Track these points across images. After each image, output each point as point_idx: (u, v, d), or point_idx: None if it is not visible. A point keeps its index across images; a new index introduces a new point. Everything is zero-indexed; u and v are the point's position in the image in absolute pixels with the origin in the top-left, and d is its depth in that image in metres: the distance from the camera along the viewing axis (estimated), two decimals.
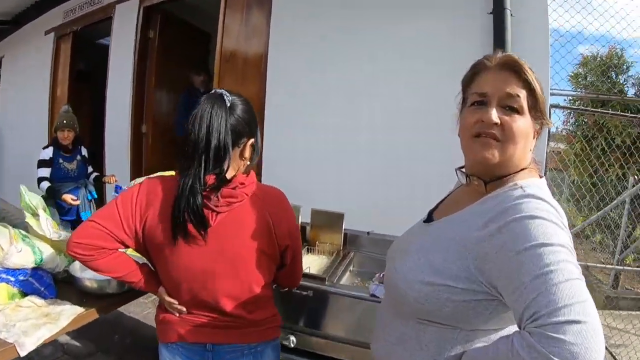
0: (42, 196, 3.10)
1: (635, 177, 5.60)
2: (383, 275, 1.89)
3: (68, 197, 4.09)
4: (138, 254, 1.60)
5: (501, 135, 1.07)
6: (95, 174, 4.57)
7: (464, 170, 1.23)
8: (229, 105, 1.43)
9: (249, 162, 1.53)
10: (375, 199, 3.40)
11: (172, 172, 2.63)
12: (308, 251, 2.59)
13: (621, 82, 8.21)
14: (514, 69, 1.09)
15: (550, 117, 1.13)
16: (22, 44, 7.71)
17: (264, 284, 1.55)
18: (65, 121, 4.24)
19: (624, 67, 8.15)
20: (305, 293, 2.01)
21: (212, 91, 1.49)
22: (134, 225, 1.45)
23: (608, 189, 5.21)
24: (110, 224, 1.43)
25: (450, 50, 3.17)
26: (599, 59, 8.02)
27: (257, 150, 1.55)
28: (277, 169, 3.74)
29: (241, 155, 1.49)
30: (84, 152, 4.51)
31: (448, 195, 1.39)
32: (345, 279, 2.38)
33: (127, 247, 1.49)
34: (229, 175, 1.45)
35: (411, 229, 1.35)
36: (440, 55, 3.22)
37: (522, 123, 1.07)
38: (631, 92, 8.27)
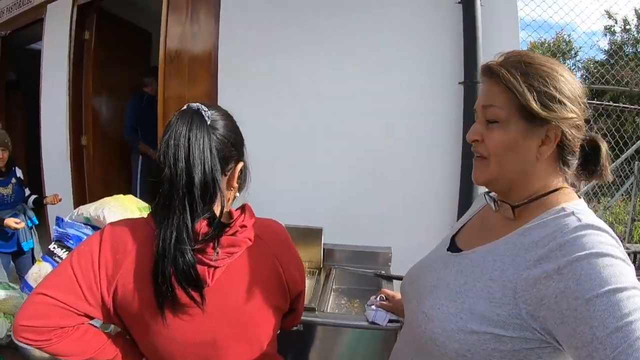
0: None
1: None
2: (379, 298, 1.72)
3: (11, 221, 3.62)
4: None
5: (485, 151, 1.01)
6: (33, 196, 4.11)
7: (492, 194, 1.11)
8: (209, 123, 1.11)
9: (238, 193, 1.25)
10: (346, 208, 3.26)
11: (130, 196, 2.35)
12: None
13: (570, 65, 8.53)
14: (489, 75, 1.00)
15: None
16: None
17: (272, 338, 1.28)
18: None
19: (572, 52, 8.49)
20: (295, 328, 1.76)
21: (185, 107, 1.16)
22: (100, 293, 1.10)
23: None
24: (68, 295, 1.07)
25: (419, 43, 3.09)
26: (546, 44, 8.28)
27: (246, 176, 1.26)
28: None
29: (229, 185, 1.19)
30: (19, 173, 4.03)
31: (472, 217, 1.23)
32: (332, 301, 2.18)
33: (91, 318, 1.15)
34: (224, 216, 1.15)
35: (432, 257, 1.19)
36: (409, 49, 3.12)
37: (499, 135, 0.97)
38: (578, 75, 8.62)
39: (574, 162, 0.99)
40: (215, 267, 1.11)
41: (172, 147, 1.07)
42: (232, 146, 1.16)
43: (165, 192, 1.07)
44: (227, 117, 1.19)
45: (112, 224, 1.18)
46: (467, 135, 1.03)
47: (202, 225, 1.08)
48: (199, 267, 1.08)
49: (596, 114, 4.78)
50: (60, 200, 3.97)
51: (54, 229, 2.49)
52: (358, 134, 3.23)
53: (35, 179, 5.28)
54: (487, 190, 1.13)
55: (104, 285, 1.09)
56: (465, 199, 2.92)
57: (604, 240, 0.82)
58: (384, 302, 1.72)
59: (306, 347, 1.87)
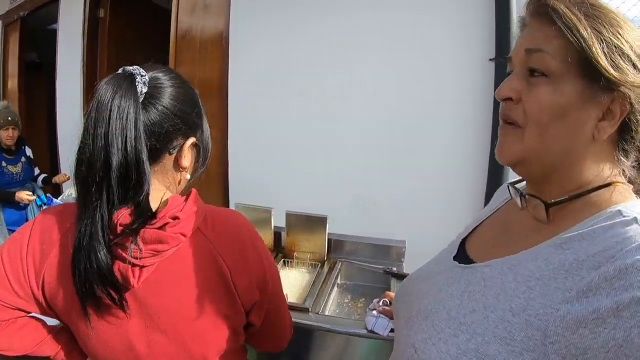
0: None
1: None
2: (382, 302, 1.48)
3: (23, 194, 3.69)
4: None
5: (522, 117, 0.70)
6: (42, 175, 4.17)
7: (522, 184, 0.84)
8: (143, 91, 0.89)
9: (189, 175, 1.03)
10: (359, 197, 3.02)
11: None
12: (285, 264, 2.16)
13: None
14: (539, 12, 0.69)
15: None
16: None
17: (227, 351, 1.06)
18: (9, 118, 3.82)
19: None
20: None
21: (120, 70, 0.94)
22: (29, 286, 0.97)
23: None
24: None
25: (447, 18, 2.77)
26: None
27: (204, 152, 1.05)
28: (242, 165, 3.31)
29: (177, 166, 0.98)
30: (29, 152, 4.10)
31: (489, 215, 0.95)
32: (333, 298, 1.96)
33: (28, 312, 1.03)
34: (154, 205, 0.93)
35: (433, 268, 0.90)
36: (436, 24, 2.80)
37: (547, 93, 0.67)
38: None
39: (634, 150, 0.70)
40: (142, 267, 0.91)
41: (92, 119, 0.85)
42: (178, 118, 0.94)
43: (83, 174, 0.87)
44: (177, 84, 0.97)
45: (46, 210, 1.05)
46: (498, 91, 0.73)
47: (121, 215, 0.88)
48: (121, 265, 0.90)
49: None
50: (68, 179, 3.95)
51: (44, 208, 2.38)
52: (379, 117, 2.96)
53: (54, 158, 5.35)
54: (513, 180, 0.86)
55: (32, 277, 0.97)
56: (493, 191, 2.58)
57: None
58: (387, 308, 1.46)
59: (295, 351, 1.66)
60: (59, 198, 2.16)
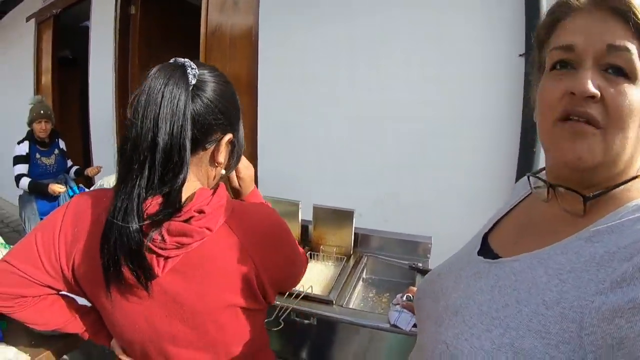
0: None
1: None
2: (406, 298, 1.47)
3: (56, 186, 3.84)
4: None
5: (602, 117, 0.64)
6: (75, 167, 4.29)
7: (541, 176, 0.81)
8: (192, 82, 0.93)
9: (224, 171, 1.07)
10: (388, 191, 3.00)
11: None
12: (311, 257, 2.17)
13: None
14: (616, 7, 0.65)
15: None
16: (5, 33, 7.52)
17: (249, 339, 1.08)
18: (42, 111, 3.94)
19: None
20: (307, 321, 1.57)
21: (171, 60, 0.99)
22: (59, 265, 1.01)
23: None
24: (28, 266, 1.01)
25: (476, 13, 2.72)
26: None
27: (238, 151, 1.08)
28: (271, 160, 3.34)
29: (212, 161, 1.01)
30: (62, 144, 4.22)
31: (510, 209, 0.94)
32: (357, 292, 1.97)
33: (58, 290, 1.08)
34: (184, 196, 0.96)
35: (457, 263, 0.89)
36: (466, 19, 2.76)
37: (635, 94, 0.63)
38: None
39: None
40: (166, 257, 0.94)
41: (142, 103, 0.90)
42: (220, 113, 0.98)
43: (128, 153, 0.91)
44: (222, 82, 1.01)
45: (80, 195, 1.09)
46: (579, 85, 0.65)
47: (151, 204, 0.92)
48: (147, 255, 0.93)
49: None
50: (100, 171, 4.04)
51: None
52: (407, 115, 2.95)
53: (87, 152, 5.47)
54: (535, 172, 0.84)
55: (63, 258, 1.01)
56: None
57: None
58: (410, 303, 1.44)
59: (318, 342, 1.68)
60: (92, 188, 2.22)
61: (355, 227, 2.21)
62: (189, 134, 0.91)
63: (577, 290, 0.60)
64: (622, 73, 0.64)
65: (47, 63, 6.20)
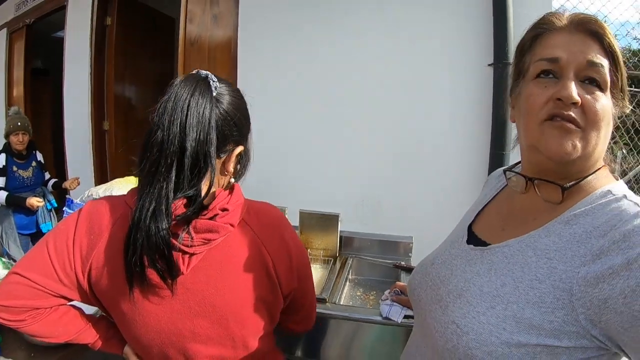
0: None
1: (622, 150, 5.49)
2: (394, 292, 1.58)
3: (33, 200, 3.76)
4: None
5: (582, 119, 0.78)
6: (53, 180, 4.20)
7: (517, 170, 0.94)
8: (215, 93, 0.99)
9: (232, 179, 1.11)
10: (367, 197, 3.13)
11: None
12: None
13: None
14: (592, 30, 0.81)
15: None
16: None
17: (264, 335, 1.14)
18: (19, 123, 3.87)
19: None
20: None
21: (194, 71, 1.04)
22: (74, 274, 1.02)
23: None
24: (42, 277, 1.01)
25: (447, 25, 2.92)
26: None
27: (246, 163, 1.14)
28: (255, 166, 3.33)
29: (223, 169, 1.06)
30: (39, 157, 4.14)
31: (489, 201, 1.07)
32: (346, 292, 2.07)
33: (70, 300, 1.08)
34: (207, 198, 1.01)
35: (448, 253, 1.01)
36: (436, 31, 2.94)
37: (606, 103, 0.79)
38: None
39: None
40: (191, 254, 1.00)
41: (169, 110, 0.96)
42: (235, 125, 1.04)
43: (154, 157, 0.96)
44: (237, 95, 1.07)
45: (91, 202, 1.09)
46: (566, 93, 0.78)
47: (178, 205, 0.97)
48: (173, 253, 0.97)
49: (634, 103, 4.54)
50: (78, 184, 4.01)
51: (64, 210, 2.45)
52: (384, 120, 3.08)
53: (61, 164, 5.36)
54: (510, 167, 0.98)
55: (78, 266, 1.02)
56: None
57: None
58: (399, 296, 1.59)
59: (315, 338, 1.75)
60: (79, 199, 2.23)
61: (340, 230, 2.29)
62: (214, 141, 0.97)
63: (564, 265, 0.73)
64: (596, 84, 0.79)
65: (19, 73, 6.11)
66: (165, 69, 5.24)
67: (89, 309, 1.20)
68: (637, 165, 4.92)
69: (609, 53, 0.80)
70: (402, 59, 3.00)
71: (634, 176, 4.93)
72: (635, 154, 5.23)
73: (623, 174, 5.19)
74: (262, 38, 3.39)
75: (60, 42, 5.24)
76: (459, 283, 0.89)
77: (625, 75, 0.82)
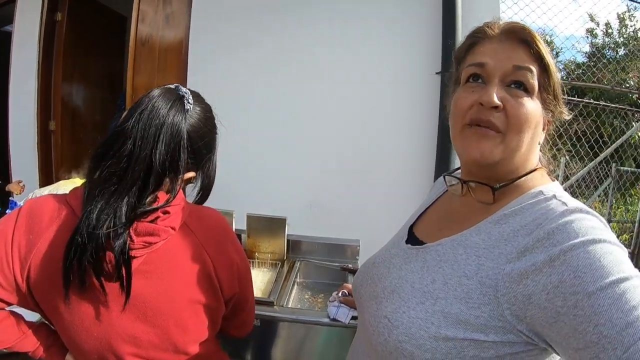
0: None
1: (565, 157, 5.76)
2: (341, 294, 1.62)
3: None
4: None
5: (502, 123, 0.82)
6: None
7: (456, 174, 0.99)
8: (188, 112, 1.03)
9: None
10: (318, 200, 3.18)
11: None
12: None
13: None
14: (522, 38, 0.85)
15: None
16: None
17: (206, 340, 1.14)
18: None
19: (554, 52, 8.64)
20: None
21: (170, 86, 1.07)
22: (12, 275, 0.99)
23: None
24: None
25: (396, 34, 3.02)
26: None
27: (205, 183, 1.17)
28: None
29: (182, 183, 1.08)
30: None
31: (430, 205, 1.12)
32: (294, 295, 2.08)
33: (8, 304, 1.04)
34: (148, 201, 1.02)
35: (388, 252, 1.05)
36: (387, 40, 3.04)
37: (531, 107, 0.83)
38: (559, 76, 8.78)
39: (547, 146, 0.95)
40: (132, 257, 0.99)
41: (144, 121, 0.97)
42: (192, 153, 1.06)
43: (119, 166, 0.97)
44: (208, 117, 1.11)
45: (31, 201, 1.07)
46: (486, 97, 0.83)
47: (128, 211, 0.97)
48: (111, 255, 0.97)
49: (577, 113, 4.76)
50: (23, 189, 3.85)
51: (6, 212, 2.39)
52: (332, 126, 3.14)
53: (4, 165, 5.11)
54: (450, 172, 1.03)
55: (17, 267, 0.99)
56: None
57: (596, 225, 0.73)
58: (347, 298, 1.62)
59: (263, 342, 1.76)
60: (23, 201, 2.18)
61: (287, 234, 2.31)
62: (184, 158, 1.00)
63: (491, 262, 0.78)
64: (522, 87, 0.84)
65: None
66: (114, 69, 5.11)
67: (30, 317, 1.17)
68: (579, 171, 5.14)
69: (538, 59, 0.85)
70: (351, 67, 3.08)
71: (576, 181, 5.16)
72: (577, 160, 5.48)
73: (566, 179, 5.43)
74: (213, 41, 3.38)
75: (9, 36, 5.06)
76: (393, 280, 0.92)
77: (557, 81, 0.87)
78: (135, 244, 0.98)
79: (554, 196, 0.79)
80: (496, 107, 0.82)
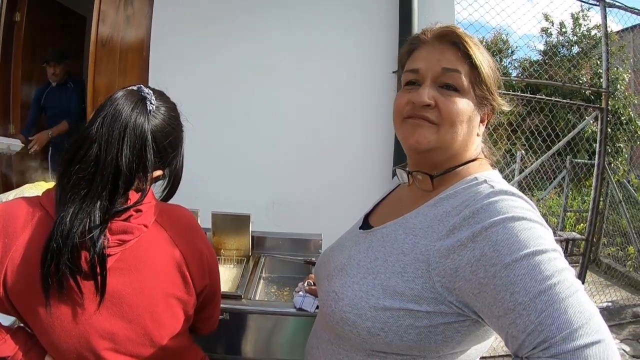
0: None
1: (522, 151, 6.04)
2: (307, 284, 1.70)
3: None
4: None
5: (437, 117, 0.92)
6: None
7: (406, 168, 1.07)
8: (152, 113, 1.05)
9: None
10: (281, 196, 3.26)
11: (53, 182, 2.22)
12: None
13: (506, 64, 8.98)
14: (452, 40, 0.95)
15: None
16: None
17: (180, 332, 1.17)
18: None
19: (509, 51, 8.91)
20: (221, 317, 1.72)
21: (132, 87, 1.08)
22: None
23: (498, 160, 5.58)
24: None
25: (354, 35, 3.14)
26: (484, 43, 8.63)
27: (172, 180, 1.20)
28: None
29: (151, 181, 1.11)
30: None
31: (385, 196, 1.23)
32: (260, 289, 2.15)
33: None
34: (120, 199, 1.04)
35: (344, 237, 1.16)
36: (345, 40, 3.15)
37: (462, 104, 0.93)
38: (514, 73, 9.09)
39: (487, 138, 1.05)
40: (107, 255, 1.02)
41: (107, 124, 0.99)
42: (158, 152, 1.09)
43: (87, 171, 0.99)
44: (172, 116, 1.13)
45: (2, 205, 1.07)
46: (417, 97, 0.93)
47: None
48: (86, 254, 0.99)
49: (529, 108, 4.94)
50: None
51: None
52: (293, 123, 3.22)
53: None
54: (399, 165, 1.12)
55: None
56: None
57: (519, 205, 0.81)
58: (312, 287, 1.70)
59: (233, 335, 1.82)
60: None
61: (252, 231, 2.36)
62: (151, 159, 1.03)
63: (425, 240, 0.88)
64: (453, 88, 0.94)
65: None
66: (74, 70, 5.04)
67: (5, 321, 1.17)
68: (532, 164, 5.32)
69: (467, 58, 0.94)
70: (311, 68, 3.17)
71: (530, 173, 5.35)
72: (531, 154, 5.67)
73: (522, 172, 5.63)
74: (174, 41, 3.39)
75: None
76: (343, 260, 1.03)
77: (489, 76, 0.96)
78: (110, 242, 1.01)
79: (485, 180, 0.90)
80: (428, 105, 0.92)
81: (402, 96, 0.98)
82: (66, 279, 0.98)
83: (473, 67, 0.94)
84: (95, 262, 0.98)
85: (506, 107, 1.03)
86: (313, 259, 2.26)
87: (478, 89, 0.95)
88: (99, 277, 1.00)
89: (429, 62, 0.96)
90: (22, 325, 1.13)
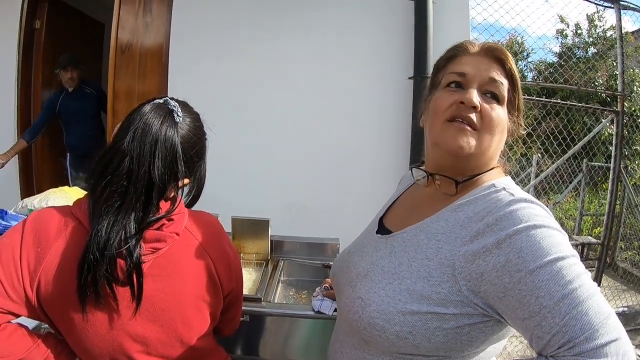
0: None
1: (538, 155, 5.99)
2: (324, 288, 1.72)
3: None
4: None
5: (479, 122, 0.95)
6: None
7: (422, 167, 1.10)
8: (179, 125, 1.08)
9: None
10: (298, 201, 3.29)
11: (76, 187, 2.27)
12: None
13: (521, 67, 8.90)
14: (498, 57, 1.00)
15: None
16: None
17: (206, 334, 1.21)
18: None
19: (524, 54, 8.84)
20: (241, 318, 1.75)
21: (158, 100, 1.10)
22: (22, 288, 1.01)
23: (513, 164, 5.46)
24: None
25: (371, 40, 3.16)
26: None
27: (196, 188, 1.23)
28: None
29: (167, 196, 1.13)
30: None
31: (397, 197, 1.24)
32: (279, 293, 2.18)
33: (17, 316, 1.06)
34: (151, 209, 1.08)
35: (361, 242, 1.18)
36: (362, 46, 3.18)
37: (502, 113, 0.98)
38: (530, 76, 8.99)
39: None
40: (142, 262, 1.05)
41: (138, 138, 1.02)
42: (186, 162, 1.11)
43: (120, 184, 1.02)
44: (195, 120, 1.16)
45: (36, 213, 1.10)
46: (469, 98, 0.95)
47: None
48: (121, 262, 1.02)
49: (544, 112, 4.92)
50: None
51: None
52: (311, 128, 3.26)
53: None
54: (415, 165, 1.15)
55: (27, 279, 1.02)
56: None
57: (539, 213, 0.85)
58: (330, 292, 1.70)
59: (253, 336, 1.86)
60: (13, 210, 2.22)
61: (270, 235, 2.39)
62: (182, 170, 1.07)
63: (449, 245, 0.91)
64: (495, 97, 0.98)
65: None
66: (92, 76, 5.11)
67: (30, 324, 1.18)
68: (548, 167, 5.28)
69: (509, 76, 0.99)
70: (329, 74, 3.22)
71: (546, 177, 5.32)
72: (547, 158, 5.64)
73: (538, 176, 5.60)
74: (193, 47, 3.45)
75: None
76: (366, 266, 1.04)
77: (521, 97, 1.02)
78: (144, 250, 1.05)
79: (504, 188, 0.93)
80: (475, 107, 0.95)
81: (445, 97, 1.00)
82: (103, 287, 1.01)
83: (512, 85, 1.00)
84: (132, 270, 1.02)
85: (522, 131, 1.07)
86: (331, 262, 2.26)
87: (510, 106, 1.01)
88: (135, 285, 1.04)
89: (477, 69, 0.99)
90: (51, 330, 1.15)
